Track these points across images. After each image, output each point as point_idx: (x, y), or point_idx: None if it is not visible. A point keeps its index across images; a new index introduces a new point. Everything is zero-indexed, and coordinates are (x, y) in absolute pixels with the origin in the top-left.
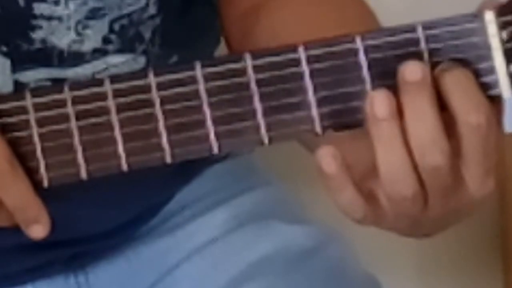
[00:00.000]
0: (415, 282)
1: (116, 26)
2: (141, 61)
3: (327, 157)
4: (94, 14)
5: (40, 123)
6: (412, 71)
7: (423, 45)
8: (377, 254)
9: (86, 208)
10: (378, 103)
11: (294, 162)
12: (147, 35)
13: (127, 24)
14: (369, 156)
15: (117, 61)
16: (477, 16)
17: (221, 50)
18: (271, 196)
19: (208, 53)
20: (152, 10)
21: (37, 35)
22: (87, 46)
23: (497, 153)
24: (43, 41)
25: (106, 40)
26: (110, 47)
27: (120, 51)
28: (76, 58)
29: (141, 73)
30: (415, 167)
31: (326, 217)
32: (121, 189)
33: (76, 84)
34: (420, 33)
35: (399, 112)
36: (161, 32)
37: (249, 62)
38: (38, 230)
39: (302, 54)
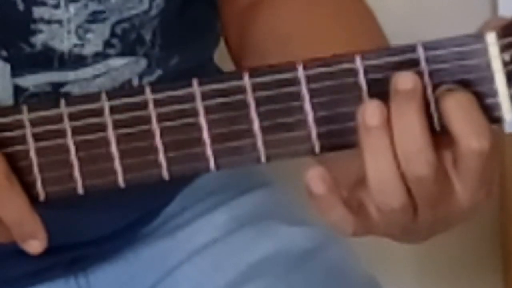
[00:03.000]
0: (415, 283)
1: (118, 30)
2: (143, 63)
3: (316, 179)
4: (95, 17)
5: (37, 137)
6: (403, 81)
7: (423, 65)
8: (377, 255)
9: (87, 212)
10: (369, 112)
11: (294, 163)
12: (147, 37)
13: (129, 28)
14: (360, 167)
15: (119, 64)
16: (479, 37)
17: (221, 49)
18: (271, 197)
19: (208, 53)
20: (153, 12)
21: (37, 39)
22: (88, 50)
23: (497, 166)
24: (44, 45)
25: (107, 44)
26: (112, 51)
27: (121, 54)
28: (77, 61)
29: (138, 90)
30: (403, 178)
31: None
32: (122, 192)
33: (73, 100)
34: (420, 54)
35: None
36: (161, 33)
37: (247, 80)
38: (35, 245)
39: (301, 73)
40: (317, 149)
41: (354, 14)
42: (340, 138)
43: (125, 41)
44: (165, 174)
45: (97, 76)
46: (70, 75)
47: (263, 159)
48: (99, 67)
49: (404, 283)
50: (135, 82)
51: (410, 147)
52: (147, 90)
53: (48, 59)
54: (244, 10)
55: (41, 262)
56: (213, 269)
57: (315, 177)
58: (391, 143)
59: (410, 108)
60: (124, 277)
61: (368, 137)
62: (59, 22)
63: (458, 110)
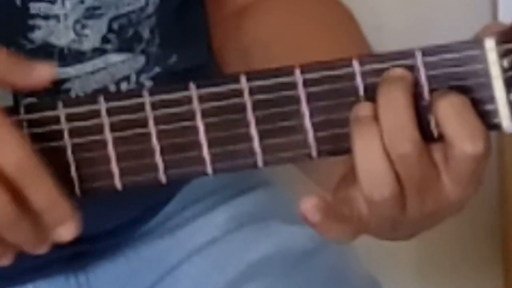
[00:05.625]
0: (415, 282)
1: (115, 26)
2: (141, 60)
3: (311, 210)
4: (91, 13)
5: (34, 139)
6: (396, 69)
7: (421, 71)
8: (377, 254)
9: (87, 209)
10: (361, 106)
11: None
12: (145, 35)
13: (126, 24)
14: (346, 165)
15: (117, 60)
16: (478, 43)
17: None
18: (271, 197)
19: (207, 54)
20: (150, 9)
21: (36, 35)
22: (87, 46)
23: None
24: (43, 41)
25: (105, 40)
26: (109, 46)
27: (119, 50)
28: (76, 56)
29: (136, 92)
30: (392, 166)
31: None
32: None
33: (70, 101)
34: (418, 59)
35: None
36: (159, 31)
37: (245, 84)
38: (67, 231)
39: (298, 77)
40: (314, 154)
41: (336, 21)
42: (338, 143)
43: (122, 37)
44: (162, 178)
45: (96, 71)
46: (70, 71)
47: (260, 163)
48: (98, 63)
49: (404, 283)
50: (133, 78)
51: (393, 123)
52: (145, 93)
53: (48, 55)
54: (229, 16)
55: (40, 259)
56: (213, 269)
57: (310, 207)
58: (379, 129)
59: (397, 86)
60: (124, 275)
61: (358, 126)
62: (56, 17)
63: (451, 112)
